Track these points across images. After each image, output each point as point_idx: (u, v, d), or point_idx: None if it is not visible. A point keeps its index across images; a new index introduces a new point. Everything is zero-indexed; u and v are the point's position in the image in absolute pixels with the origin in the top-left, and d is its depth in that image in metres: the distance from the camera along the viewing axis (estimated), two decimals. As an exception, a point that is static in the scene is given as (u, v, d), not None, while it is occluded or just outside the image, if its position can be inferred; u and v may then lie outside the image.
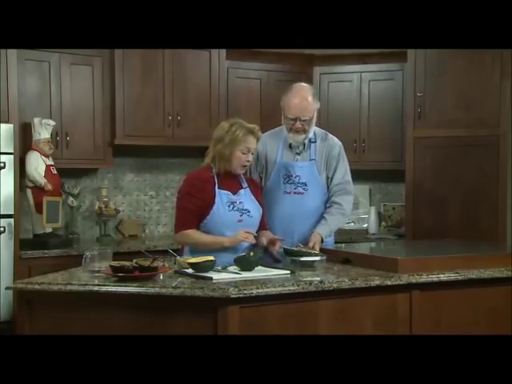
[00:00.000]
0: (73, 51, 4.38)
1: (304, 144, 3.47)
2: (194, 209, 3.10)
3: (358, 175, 5.27)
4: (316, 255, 3.05)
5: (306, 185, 3.43)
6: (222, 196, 3.13)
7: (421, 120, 4.72)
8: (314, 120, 3.44)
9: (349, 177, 3.54)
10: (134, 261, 2.86)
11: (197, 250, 3.13)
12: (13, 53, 4.01)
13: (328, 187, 3.49)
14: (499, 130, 4.52)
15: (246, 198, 3.20)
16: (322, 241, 3.34)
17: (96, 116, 4.59)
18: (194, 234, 3.12)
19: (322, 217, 3.43)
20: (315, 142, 3.49)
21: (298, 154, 3.48)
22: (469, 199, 4.61)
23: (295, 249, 3.14)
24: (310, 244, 3.27)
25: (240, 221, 3.14)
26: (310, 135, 3.46)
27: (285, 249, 3.15)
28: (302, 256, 3.02)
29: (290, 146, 3.48)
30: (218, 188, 3.15)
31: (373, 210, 5.26)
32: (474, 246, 3.64)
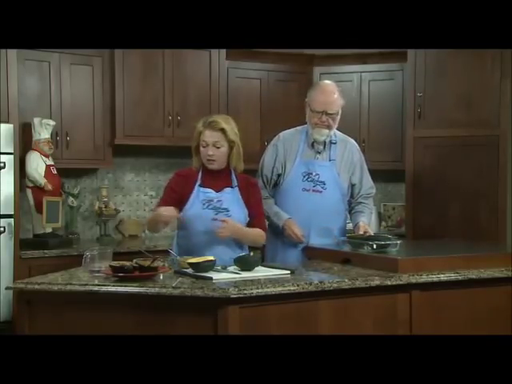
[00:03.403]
0: (73, 51, 4.37)
1: (325, 143, 3.50)
2: (169, 202, 3.11)
3: (358, 175, 5.32)
4: (394, 239, 3.19)
5: (324, 183, 3.46)
6: (199, 193, 3.14)
7: (421, 120, 4.72)
8: (339, 117, 3.49)
9: (371, 181, 3.68)
10: (134, 261, 2.86)
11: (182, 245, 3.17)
12: (13, 53, 4.01)
13: (348, 191, 3.57)
14: (499, 129, 4.52)
15: (228, 197, 3.17)
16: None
17: (96, 116, 4.59)
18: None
19: (355, 212, 3.57)
20: (336, 143, 3.53)
21: (319, 152, 3.51)
22: (469, 199, 4.61)
23: (367, 234, 3.32)
24: (361, 231, 3.37)
25: (215, 219, 3.11)
26: (332, 133, 3.50)
27: (351, 236, 3.31)
28: (380, 240, 3.14)
29: (312, 145, 3.50)
30: (199, 185, 3.16)
31: (373, 210, 5.25)
32: (474, 246, 3.64)
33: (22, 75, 4.22)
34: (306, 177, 3.46)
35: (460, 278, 2.85)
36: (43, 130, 4.24)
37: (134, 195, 5.08)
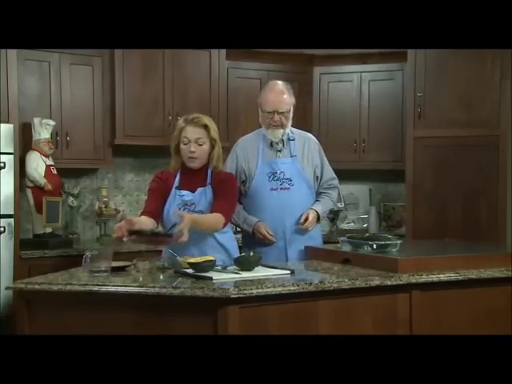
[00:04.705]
0: (73, 51, 4.38)
1: (283, 141, 3.53)
2: (155, 203, 3.11)
3: (358, 175, 5.33)
4: (394, 239, 3.19)
5: (291, 180, 3.49)
6: (176, 197, 3.12)
7: (421, 120, 4.72)
8: (291, 115, 3.51)
9: (333, 173, 3.68)
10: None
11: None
12: (13, 53, 4.01)
13: (315, 184, 3.59)
14: (499, 130, 4.52)
15: (201, 197, 3.13)
16: (319, 217, 3.53)
17: (96, 116, 4.59)
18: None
19: (315, 201, 3.58)
20: (294, 139, 3.56)
21: (279, 151, 3.53)
22: (469, 199, 4.61)
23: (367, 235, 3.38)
24: (303, 217, 3.43)
25: None
26: (288, 131, 3.53)
27: (351, 236, 3.30)
28: (380, 240, 3.15)
29: (271, 144, 3.53)
30: (176, 188, 3.14)
31: (373, 209, 5.26)
32: (474, 246, 3.63)
33: (22, 75, 4.22)
34: (272, 176, 3.48)
35: (460, 277, 2.85)
36: (43, 130, 4.24)
37: (134, 195, 5.08)
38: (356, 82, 5.19)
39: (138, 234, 2.81)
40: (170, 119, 4.72)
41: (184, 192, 3.14)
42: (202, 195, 3.13)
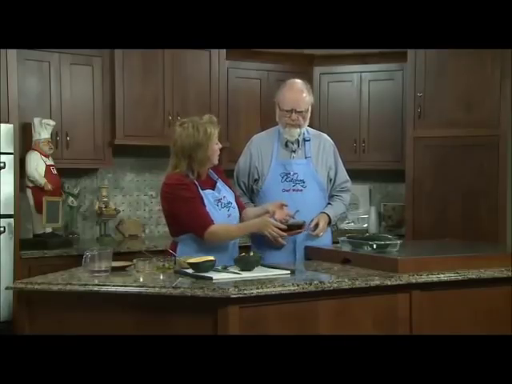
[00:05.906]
0: (73, 51, 4.38)
1: (298, 141, 3.49)
2: (201, 206, 3.06)
3: (358, 175, 5.31)
4: (394, 239, 3.20)
5: (304, 182, 3.45)
6: (208, 197, 3.12)
7: (421, 120, 4.73)
8: (309, 115, 3.47)
9: (347, 175, 3.63)
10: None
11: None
12: (13, 53, 4.01)
13: (328, 186, 3.55)
14: (499, 130, 4.53)
15: (223, 190, 3.21)
16: (330, 221, 3.49)
17: (96, 116, 4.59)
18: (219, 229, 3.06)
19: (327, 205, 3.54)
20: (309, 140, 3.52)
21: (294, 151, 3.49)
22: (469, 199, 4.61)
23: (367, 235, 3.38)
24: (314, 221, 3.40)
25: (229, 215, 3.15)
26: (304, 131, 3.49)
27: (351, 236, 3.30)
28: (380, 240, 3.16)
29: (286, 144, 3.49)
30: (202, 189, 3.12)
31: (373, 209, 5.27)
32: (474, 246, 3.64)
33: (22, 75, 4.22)
34: (285, 177, 3.45)
35: (460, 277, 2.85)
36: (43, 130, 4.24)
37: (134, 195, 5.08)
38: (356, 81, 5.19)
39: (288, 229, 3.18)
40: (170, 119, 4.72)
41: (208, 191, 3.14)
42: (222, 187, 3.22)
